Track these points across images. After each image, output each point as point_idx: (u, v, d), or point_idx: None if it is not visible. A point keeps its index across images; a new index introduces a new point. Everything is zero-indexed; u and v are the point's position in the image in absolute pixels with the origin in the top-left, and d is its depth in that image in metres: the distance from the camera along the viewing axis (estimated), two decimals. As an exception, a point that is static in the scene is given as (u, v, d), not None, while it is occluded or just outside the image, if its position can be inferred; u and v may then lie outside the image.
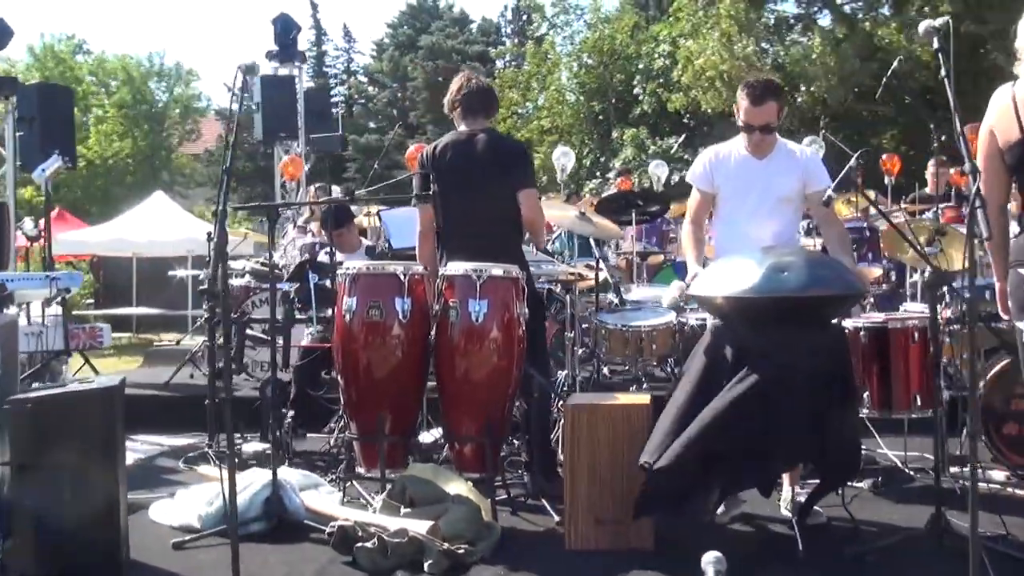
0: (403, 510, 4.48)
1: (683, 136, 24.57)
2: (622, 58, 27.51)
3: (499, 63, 36.37)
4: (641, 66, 26.89)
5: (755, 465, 4.07)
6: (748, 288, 4.03)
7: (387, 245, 6.07)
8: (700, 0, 25.12)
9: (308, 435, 6.50)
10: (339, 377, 4.83)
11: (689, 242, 4.91)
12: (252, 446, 6.00)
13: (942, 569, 3.93)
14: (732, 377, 4.04)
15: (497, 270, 4.68)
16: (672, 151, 23.72)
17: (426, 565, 4.06)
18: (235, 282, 7.88)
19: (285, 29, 11.90)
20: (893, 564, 4.04)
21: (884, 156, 10.17)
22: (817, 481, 4.55)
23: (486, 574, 4.08)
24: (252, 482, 4.72)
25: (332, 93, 37.55)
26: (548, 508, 4.80)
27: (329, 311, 6.14)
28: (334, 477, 5.29)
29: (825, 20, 24.73)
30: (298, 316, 6.27)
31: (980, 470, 4.78)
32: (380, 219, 6.14)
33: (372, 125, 39.23)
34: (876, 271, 7.29)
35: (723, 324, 4.29)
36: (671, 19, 26.87)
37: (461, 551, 4.14)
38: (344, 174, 33.49)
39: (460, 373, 4.70)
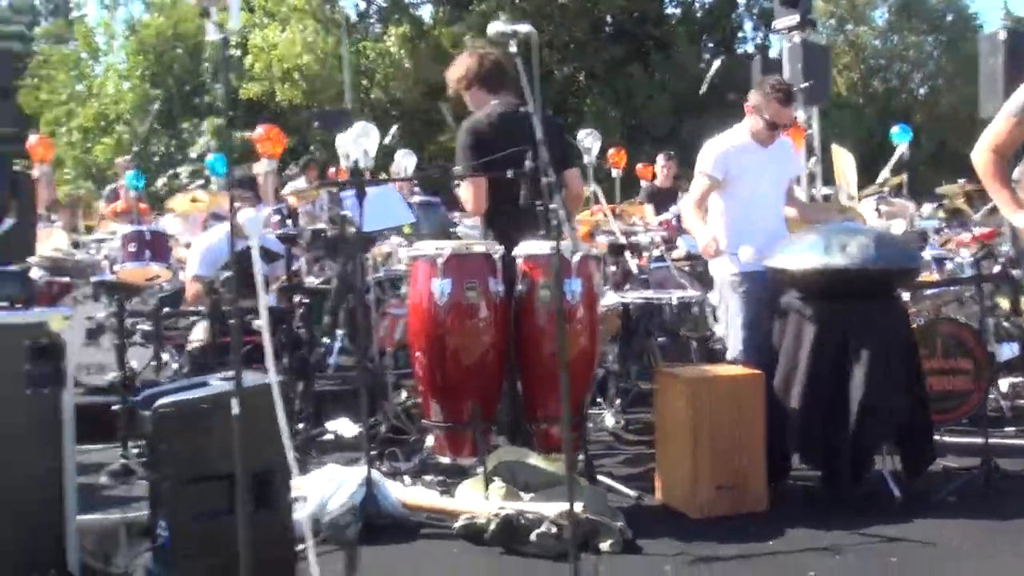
0: (525, 495, 4.36)
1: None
2: (188, 47, 26.47)
3: (40, 44, 33.10)
4: (207, 54, 26.10)
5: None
6: (865, 259, 4.43)
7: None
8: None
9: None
10: (421, 361, 4.54)
11: (696, 216, 5.19)
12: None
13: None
14: (845, 351, 4.49)
15: (583, 248, 4.67)
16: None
17: (606, 545, 4.03)
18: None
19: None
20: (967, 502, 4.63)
21: (611, 150, 10.90)
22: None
23: (655, 547, 4.13)
24: (343, 482, 4.32)
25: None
26: (617, 487, 4.85)
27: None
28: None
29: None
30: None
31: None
32: (337, 200, 5.66)
33: None
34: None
35: (807, 298, 4.64)
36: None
37: (623, 529, 4.15)
38: None
39: (547, 353, 4.62)
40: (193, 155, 23.57)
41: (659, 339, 5.93)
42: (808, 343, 4.54)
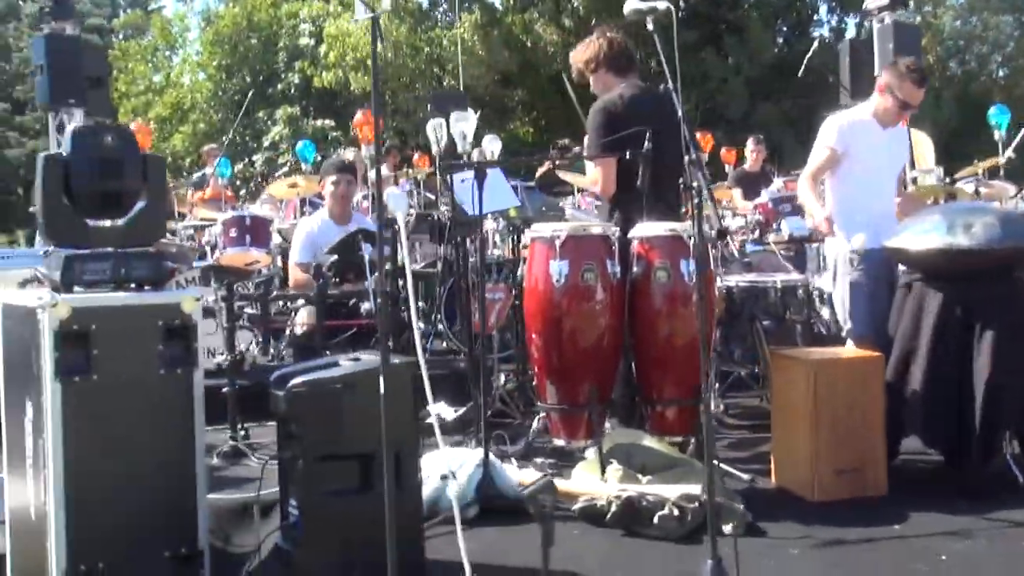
0: (642, 478, 4.34)
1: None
2: (262, 36, 26.65)
3: (119, 36, 33.56)
4: (282, 44, 26.31)
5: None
6: (991, 239, 4.32)
7: (461, 211, 5.62)
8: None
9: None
10: (537, 343, 4.53)
11: (812, 192, 5.17)
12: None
13: None
14: (969, 333, 4.38)
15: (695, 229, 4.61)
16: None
17: (729, 527, 3.97)
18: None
19: (61, -17, 10.37)
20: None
21: (697, 135, 10.85)
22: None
23: (777, 531, 4.08)
24: (462, 463, 4.33)
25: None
26: (730, 470, 4.80)
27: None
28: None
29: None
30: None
31: None
32: (449, 183, 5.68)
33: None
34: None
35: (928, 279, 4.55)
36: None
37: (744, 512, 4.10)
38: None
39: (664, 336, 4.59)
40: (266, 143, 23.78)
41: (763, 322, 5.86)
42: (929, 325, 4.45)
